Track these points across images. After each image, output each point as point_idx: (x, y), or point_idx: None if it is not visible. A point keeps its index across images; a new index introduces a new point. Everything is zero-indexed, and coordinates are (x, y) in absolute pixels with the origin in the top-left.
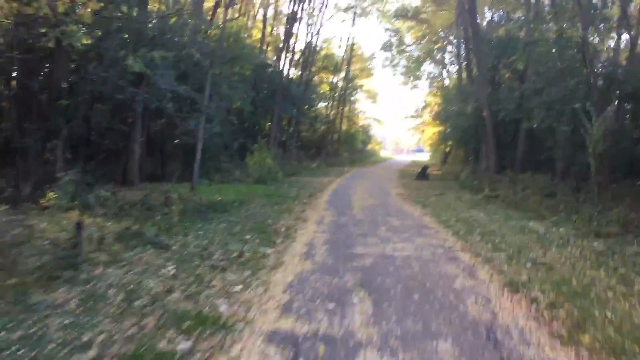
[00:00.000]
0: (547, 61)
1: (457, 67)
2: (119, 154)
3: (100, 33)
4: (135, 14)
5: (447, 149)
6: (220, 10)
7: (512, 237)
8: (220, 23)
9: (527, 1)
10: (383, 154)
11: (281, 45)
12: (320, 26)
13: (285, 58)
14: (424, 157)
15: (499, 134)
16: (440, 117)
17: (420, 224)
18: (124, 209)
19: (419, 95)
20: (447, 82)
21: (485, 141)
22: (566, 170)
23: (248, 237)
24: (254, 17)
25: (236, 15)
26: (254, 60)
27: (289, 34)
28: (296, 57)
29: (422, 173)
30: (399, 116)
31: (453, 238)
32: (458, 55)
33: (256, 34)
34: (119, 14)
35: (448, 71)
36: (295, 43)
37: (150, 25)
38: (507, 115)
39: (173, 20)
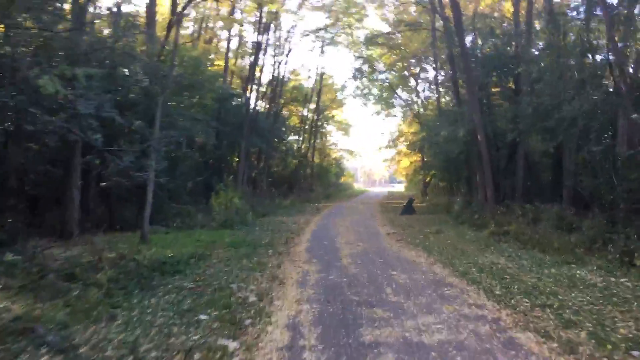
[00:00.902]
0: (559, 73)
1: (435, 91)
2: (58, 201)
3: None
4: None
5: (428, 179)
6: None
7: (571, 296)
8: (176, 43)
9: (515, 14)
10: (357, 186)
11: (247, 75)
12: (288, 55)
13: (252, 89)
14: (399, 188)
15: (493, 161)
16: (419, 146)
17: (435, 278)
18: (38, 277)
19: (393, 125)
20: (421, 110)
21: (479, 169)
22: (576, 197)
23: (203, 317)
24: (217, 44)
25: (200, 43)
26: (216, 89)
27: (254, 64)
28: (263, 88)
29: (408, 207)
30: (371, 147)
31: (491, 303)
32: (436, 79)
33: (220, 63)
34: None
35: (425, 97)
36: (261, 74)
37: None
38: (517, 136)
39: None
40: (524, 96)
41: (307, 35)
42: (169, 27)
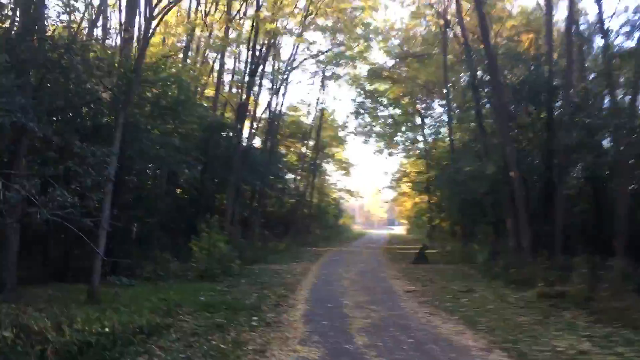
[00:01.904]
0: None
1: (447, 126)
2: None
3: None
4: None
5: (437, 222)
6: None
7: None
8: (142, 47)
9: (548, 33)
10: (355, 228)
11: (240, 104)
12: (286, 85)
13: (244, 120)
14: (399, 230)
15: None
16: (427, 186)
17: None
18: None
19: (394, 164)
20: (428, 147)
21: (511, 211)
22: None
23: None
24: (208, 70)
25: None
26: (203, 117)
27: (248, 91)
28: (259, 123)
29: (421, 255)
30: (371, 187)
31: None
32: (449, 112)
33: (211, 92)
34: None
35: (432, 134)
36: (256, 106)
37: None
38: (557, 174)
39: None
40: (565, 127)
41: (307, 58)
42: (145, 34)
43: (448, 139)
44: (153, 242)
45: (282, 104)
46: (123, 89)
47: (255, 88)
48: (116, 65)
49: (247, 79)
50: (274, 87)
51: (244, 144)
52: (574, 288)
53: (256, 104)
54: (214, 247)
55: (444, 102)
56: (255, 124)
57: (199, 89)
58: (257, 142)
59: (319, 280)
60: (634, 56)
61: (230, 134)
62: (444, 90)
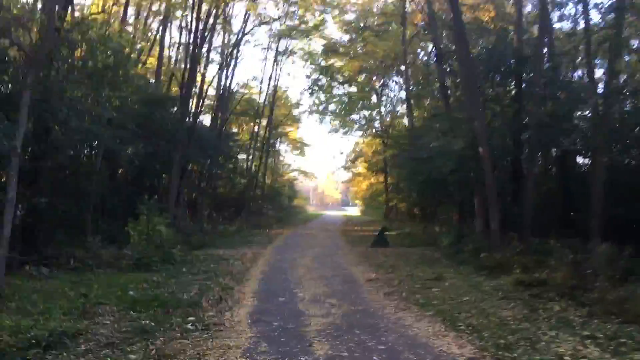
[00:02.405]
0: None
1: (406, 102)
2: None
3: None
4: None
5: (393, 203)
6: None
7: None
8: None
9: (518, 2)
10: (310, 209)
11: (185, 77)
12: (237, 58)
13: (190, 95)
14: (353, 212)
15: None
16: (384, 166)
17: None
18: None
19: (349, 145)
20: (384, 126)
21: (479, 191)
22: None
23: None
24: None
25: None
26: (142, 88)
27: (193, 59)
28: (207, 99)
29: (381, 238)
30: (325, 168)
31: None
32: (407, 87)
33: (152, 63)
34: None
35: (388, 112)
36: (204, 80)
37: None
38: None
39: None
40: (535, 101)
41: (259, 26)
42: None
43: (406, 117)
44: (84, 227)
45: (232, 79)
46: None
47: (203, 61)
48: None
49: (191, 49)
50: (224, 61)
51: (191, 120)
52: (555, 275)
53: (203, 79)
54: (154, 231)
55: (401, 79)
56: (203, 101)
57: (137, 57)
58: (207, 120)
59: (271, 267)
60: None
61: (176, 109)
62: (402, 67)
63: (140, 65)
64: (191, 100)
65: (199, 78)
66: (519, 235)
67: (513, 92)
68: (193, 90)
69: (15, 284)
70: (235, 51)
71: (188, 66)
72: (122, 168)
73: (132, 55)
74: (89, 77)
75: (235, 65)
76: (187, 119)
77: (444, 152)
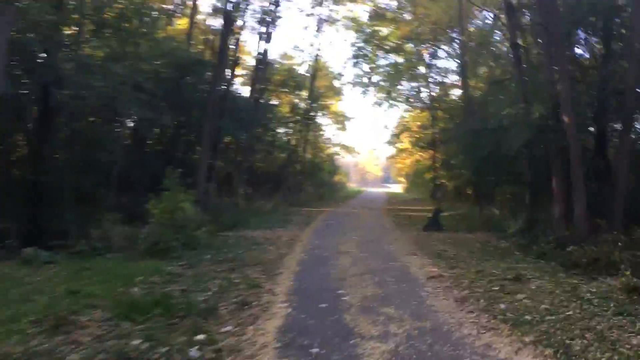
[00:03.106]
0: None
1: (461, 71)
2: None
3: None
4: None
5: (442, 181)
6: None
7: None
8: None
9: None
10: (350, 186)
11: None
12: (274, 23)
13: (226, 60)
14: (396, 189)
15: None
16: (437, 139)
17: None
18: None
19: (393, 119)
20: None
21: (558, 170)
22: None
23: None
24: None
25: None
26: (170, 51)
27: (228, 22)
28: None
29: (435, 220)
30: (366, 143)
31: None
32: (462, 55)
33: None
34: None
35: (438, 83)
36: (238, 47)
37: None
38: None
39: None
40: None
41: None
42: None
43: (460, 88)
44: (100, 204)
45: (269, 40)
46: None
47: (239, 23)
48: None
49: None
50: (261, 22)
51: (224, 87)
52: None
53: (238, 42)
54: (177, 209)
55: (452, 48)
56: (235, 68)
57: (163, 16)
58: (245, 92)
59: (310, 255)
60: None
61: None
62: (454, 35)
63: (168, 27)
64: (225, 66)
65: (232, 42)
66: (608, 223)
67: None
68: (227, 54)
69: (3, 273)
70: (273, 10)
71: (221, 27)
72: (150, 139)
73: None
74: (103, 28)
75: (273, 30)
76: (220, 86)
77: (517, 122)
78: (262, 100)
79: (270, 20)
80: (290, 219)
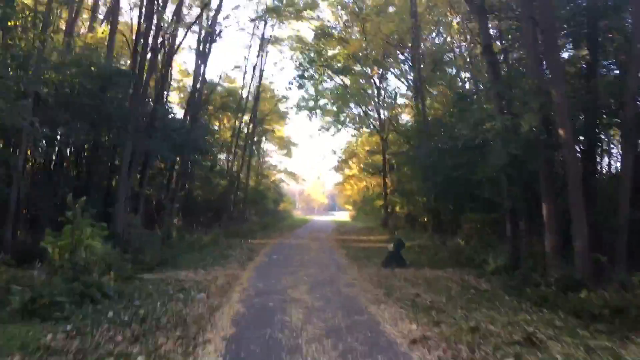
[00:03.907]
0: None
1: (415, 87)
2: None
3: None
4: None
5: (399, 209)
6: None
7: None
8: None
9: None
10: (296, 214)
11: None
12: (213, 37)
13: (151, 69)
14: (342, 217)
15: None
16: (401, 160)
17: None
18: None
19: (339, 144)
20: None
21: (549, 191)
22: None
23: None
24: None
25: None
26: (90, 60)
27: (150, 21)
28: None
29: (396, 254)
30: (310, 170)
31: None
32: (419, 69)
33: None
34: None
35: (392, 102)
36: (169, 54)
37: None
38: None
39: None
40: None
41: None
42: None
43: (414, 107)
44: None
45: (209, 61)
46: None
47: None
48: None
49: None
50: (201, 40)
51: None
52: None
53: (170, 54)
54: (81, 246)
55: (405, 66)
56: (167, 83)
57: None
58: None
59: (249, 308)
60: None
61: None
62: (405, 51)
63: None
64: (152, 79)
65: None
66: (609, 260)
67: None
68: (155, 64)
69: None
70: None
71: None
72: (56, 161)
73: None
74: None
75: (212, 41)
76: (142, 96)
77: (503, 137)
78: (199, 121)
79: (205, 34)
80: (230, 253)
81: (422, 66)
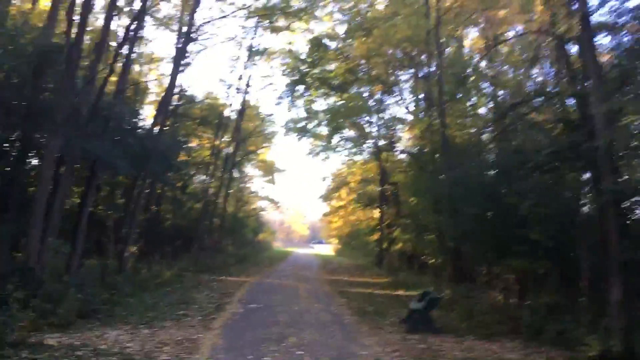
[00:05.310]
0: None
1: (438, 105)
2: None
3: None
4: None
5: (390, 245)
6: None
7: None
8: None
9: None
10: (276, 245)
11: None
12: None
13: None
14: (324, 250)
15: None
16: (411, 189)
17: None
18: None
19: (328, 171)
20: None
21: (613, 232)
22: None
23: None
24: None
25: None
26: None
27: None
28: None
29: (424, 315)
30: (292, 198)
31: None
32: (440, 82)
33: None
34: None
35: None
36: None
37: None
38: None
39: None
40: None
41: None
42: None
43: (437, 124)
44: None
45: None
46: None
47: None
48: None
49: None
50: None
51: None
52: None
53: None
54: None
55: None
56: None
57: None
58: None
59: None
60: None
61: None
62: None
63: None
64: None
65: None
66: None
67: None
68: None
69: None
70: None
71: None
72: None
73: None
74: None
75: (189, 40)
76: (103, 94)
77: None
78: (171, 133)
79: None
80: (194, 297)
81: (443, 75)
